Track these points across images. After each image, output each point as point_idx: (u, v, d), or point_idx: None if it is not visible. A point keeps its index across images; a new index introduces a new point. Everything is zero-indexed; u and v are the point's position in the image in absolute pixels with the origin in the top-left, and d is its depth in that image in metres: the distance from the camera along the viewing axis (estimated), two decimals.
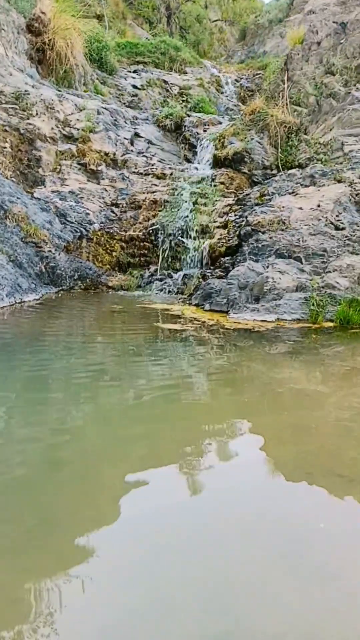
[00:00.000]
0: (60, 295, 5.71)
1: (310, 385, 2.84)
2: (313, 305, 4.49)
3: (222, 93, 13.33)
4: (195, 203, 6.72)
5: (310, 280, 4.86)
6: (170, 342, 3.72)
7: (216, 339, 3.81)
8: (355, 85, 6.96)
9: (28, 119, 7.02)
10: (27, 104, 7.09)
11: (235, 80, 14.36)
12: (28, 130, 6.93)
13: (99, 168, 7.03)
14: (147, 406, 2.49)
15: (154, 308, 5.05)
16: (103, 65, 10.93)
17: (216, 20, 21.66)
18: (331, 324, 4.32)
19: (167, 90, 12.05)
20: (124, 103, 10.63)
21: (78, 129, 7.22)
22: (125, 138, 7.53)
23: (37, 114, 7.10)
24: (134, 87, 11.28)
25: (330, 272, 4.83)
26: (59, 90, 7.81)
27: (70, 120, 7.29)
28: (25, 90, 7.24)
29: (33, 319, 4.43)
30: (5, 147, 6.79)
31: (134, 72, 12.28)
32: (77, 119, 7.34)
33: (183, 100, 11.77)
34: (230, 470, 1.93)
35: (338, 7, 15.57)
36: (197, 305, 5.13)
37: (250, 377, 3.05)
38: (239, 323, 4.35)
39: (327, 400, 2.60)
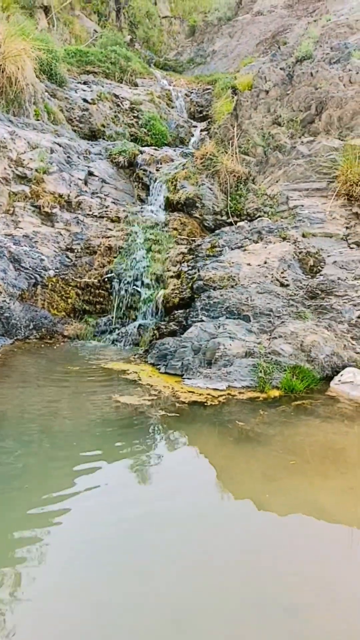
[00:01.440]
0: (14, 348, 5.79)
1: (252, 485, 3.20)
2: (261, 372, 4.87)
3: (172, 108, 13.50)
4: (149, 250, 6.94)
5: (258, 344, 5.24)
6: (121, 430, 3.92)
7: (169, 423, 4.07)
8: (300, 138, 7.39)
9: None
10: None
11: (186, 94, 14.59)
12: None
13: (54, 211, 7.08)
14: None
15: (110, 369, 5.25)
16: (53, 77, 10.84)
17: (166, 17, 21.73)
18: (277, 393, 4.71)
19: (118, 105, 12.11)
20: (75, 118, 10.64)
21: (32, 169, 7.22)
22: (79, 178, 7.60)
23: None
24: (85, 100, 11.27)
25: (275, 338, 5.23)
26: (10, 126, 7.74)
27: (24, 160, 7.27)
28: None
29: None
30: None
31: (84, 83, 12.23)
32: (31, 158, 7.34)
33: (134, 117, 11.90)
34: None
35: (285, 10, 16.12)
36: (153, 364, 5.39)
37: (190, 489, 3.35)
38: (193, 392, 4.65)
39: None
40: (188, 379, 4.95)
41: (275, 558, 2.51)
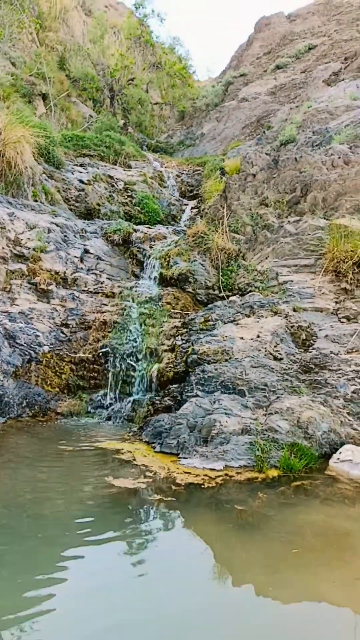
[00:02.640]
0: (6, 427, 5.69)
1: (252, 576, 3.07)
2: (258, 450, 4.80)
3: (164, 188, 14.14)
4: (143, 324, 7.04)
5: (254, 420, 5.20)
6: (115, 515, 3.80)
7: (165, 507, 3.95)
8: (287, 218, 7.75)
9: None
10: None
11: (177, 175, 15.36)
12: None
13: (50, 287, 7.23)
14: None
15: (104, 448, 5.15)
16: (50, 160, 11.40)
17: (157, 103, 23.33)
18: (276, 473, 4.62)
19: (113, 186, 12.68)
20: (71, 197, 11.10)
21: (29, 248, 7.45)
22: (75, 256, 7.84)
23: None
24: (81, 181, 11.81)
25: (272, 414, 5.21)
26: (9, 208, 8.07)
27: (22, 240, 7.52)
28: None
29: None
30: None
31: (81, 165, 12.86)
32: (28, 238, 7.60)
33: (128, 196, 12.45)
34: None
35: (269, 97, 17.35)
36: (148, 443, 5.30)
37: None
38: (190, 473, 4.55)
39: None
40: (184, 458, 4.86)
41: None
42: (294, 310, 6.57)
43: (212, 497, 4.13)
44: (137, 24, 21.82)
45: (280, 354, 6.14)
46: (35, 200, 9.51)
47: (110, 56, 21.09)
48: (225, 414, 5.25)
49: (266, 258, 7.44)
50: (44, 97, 17.24)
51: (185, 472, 4.57)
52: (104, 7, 26.94)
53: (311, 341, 6.20)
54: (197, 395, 5.68)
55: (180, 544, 3.54)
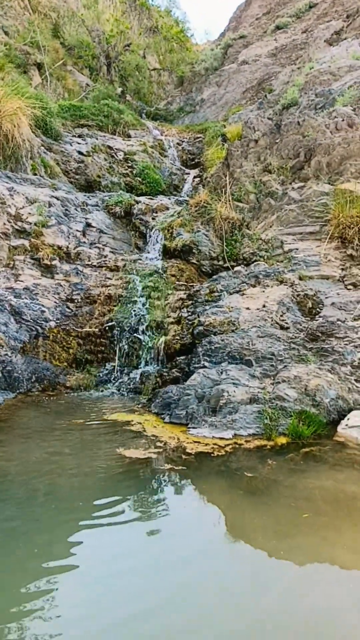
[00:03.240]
0: (16, 402, 5.75)
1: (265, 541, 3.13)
2: (267, 418, 4.84)
3: (165, 157, 13.89)
4: (148, 297, 7.02)
5: (262, 389, 5.23)
6: (127, 485, 3.86)
7: (176, 476, 4.01)
8: (291, 184, 7.61)
9: None
10: None
11: (177, 143, 15.07)
12: None
13: (53, 262, 7.19)
14: None
15: (114, 420, 5.21)
16: (48, 131, 11.19)
17: (155, 69, 22.73)
18: (285, 440, 4.66)
19: (112, 156, 12.48)
20: (71, 170, 10.94)
21: (30, 224, 7.38)
22: (77, 230, 7.76)
23: None
24: (80, 153, 11.63)
25: (279, 382, 5.23)
26: (9, 182, 7.96)
27: (22, 215, 7.44)
28: None
29: None
30: None
31: (79, 136, 12.62)
32: (29, 213, 7.51)
33: (128, 167, 12.26)
34: None
35: (269, 59, 16.88)
36: (157, 414, 5.35)
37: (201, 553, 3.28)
38: (199, 442, 4.60)
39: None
40: (193, 428, 4.90)
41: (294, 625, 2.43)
42: (300, 278, 6.52)
43: (222, 465, 4.18)
44: None
45: (286, 323, 6.12)
46: (35, 174, 9.37)
47: (105, 22, 20.44)
48: (233, 384, 5.27)
49: (271, 226, 7.34)
50: (39, 66, 16.78)
51: (195, 442, 4.62)
52: None
53: (317, 309, 6.17)
54: (204, 367, 5.70)
55: (192, 511, 3.60)
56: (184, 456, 4.33)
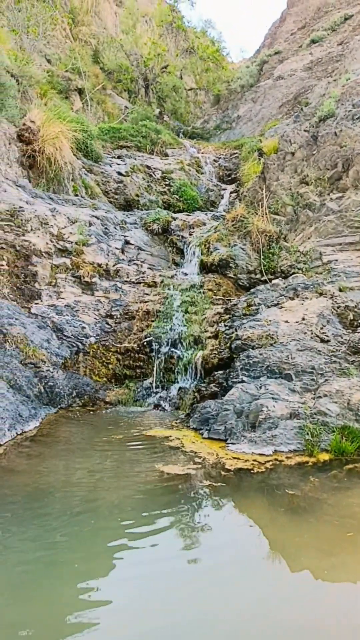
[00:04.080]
0: (58, 417, 5.85)
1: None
2: (308, 434, 4.72)
3: (202, 174, 14.01)
4: (186, 312, 7.04)
5: (302, 404, 5.11)
6: (166, 502, 3.83)
7: (216, 493, 3.96)
8: (329, 195, 7.51)
9: (23, 235, 7.38)
10: (22, 220, 7.46)
11: (214, 160, 15.20)
12: (24, 246, 7.27)
13: (93, 280, 7.35)
14: None
15: (152, 436, 5.21)
16: (88, 154, 11.52)
17: (191, 89, 23.08)
18: (327, 456, 4.53)
19: (150, 175, 12.70)
20: (110, 190, 11.21)
21: (72, 242, 7.59)
22: (116, 248, 7.92)
23: (32, 229, 7.47)
24: (119, 173, 11.90)
25: (320, 397, 5.10)
26: (51, 203, 8.23)
27: (64, 234, 7.66)
28: (20, 207, 7.62)
29: (28, 465, 4.48)
30: (2, 265, 7.09)
31: (118, 157, 12.94)
32: (71, 232, 7.73)
33: (166, 185, 12.44)
34: None
35: (305, 73, 16.83)
36: (195, 429, 5.32)
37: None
38: (239, 459, 4.54)
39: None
40: (232, 444, 4.84)
41: None
42: (340, 290, 6.38)
43: (263, 482, 4.10)
44: (168, 10, 21.60)
45: (327, 335, 5.99)
46: (76, 195, 9.66)
47: (143, 45, 21.00)
48: (272, 398, 5.18)
49: (308, 238, 7.25)
50: (80, 91, 17.39)
51: (234, 458, 4.56)
52: None
53: (359, 321, 6.01)
54: (242, 381, 5.64)
55: (233, 529, 3.54)
56: (223, 472, 4.28)
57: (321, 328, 6.07)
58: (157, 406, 6.27)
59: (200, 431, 5.23)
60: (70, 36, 20.04)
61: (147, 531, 3.39)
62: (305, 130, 8.88)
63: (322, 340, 5.95)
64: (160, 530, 3.42)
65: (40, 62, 16.44)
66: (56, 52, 18.50)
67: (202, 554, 3.18)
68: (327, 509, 3.63)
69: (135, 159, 12.57)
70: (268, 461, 4.46)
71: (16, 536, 3.25)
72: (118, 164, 12.10)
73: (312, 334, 6.03)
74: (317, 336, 5.99)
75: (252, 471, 4.28)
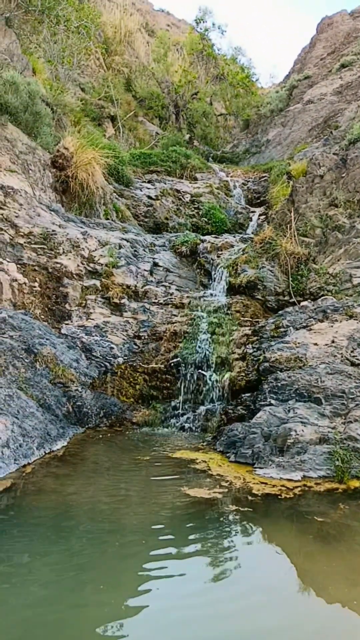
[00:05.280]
0: (85, 437, 5.88)
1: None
2: (338, 460, 4.61)
3: (231, 197, 14.12)
4: (213, 333, 7.04)
5: (332, 429, 5.01)
6: (192, 526, 3.78)
7: (243, 518, 3.89)
8: (359, 217, 7.46)
9: (55, 257, 7.57)
10: (54, 243, 7.67)
11: (243, 183, 15.31)
12: (56, 268, 7.46)
13: (122, 301, 7.45)
14: None
15: (179, 459, 5.18)
16: (120, 179, 11.79)
17: (221, 114, 23.45)
18: (358, 483, 4.41)
19: (180, 199, 12.89)
20: (140, 213, 11.43)
21: (102, 265, 7.74)
22: (145, 270, 8.03)
23: (63, 252, 7.66)
24: (149, 197, 12.13)
25: (351, 422, 4.99)
26: (83, 227, 8.44)
27: (95, 257, 7.83)
28: (53, 230, 7.84)
29: (55, 485, 4.50)
30: (34, 287, 7.28)
31: (149, 182, 13.19)
32: (101, 255, 7.89)
33: (195, 208, 12.60)
34: None
35: (335, 97, 16.89)
36: (222, 452, 5.27)
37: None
38: (266, 484, 4.46)
39: None
40: (260, 468, 4.77)
41: None
42: None
43: (291, 508, 4.01)
44: (198, 38, 22.14)
45: (357, 359, 5.89)
46: (107, 218, 9.88)
47: (174, 73, 21.55)
48: (301, 422, 5.10)
49: (338, 260, 7.20)
50: (113, 118, 17.92)
51: (262, 483, 4.49)
52: (165, 26, 27.67)
53: None
54: (270, 404, 5.58)
55: (260, 556, 3.47)
56: (250, 497, 4.21)
57: (352, 351, 5.97)
58: (183, 428, 6.24)
59: (227, 454, 5.17)
60: (103, 65, 20.77)
61: (172, 555, 3.35)
62: (334, 154, 8.89)
63: (353, 364, 5.84)
64: (186, 555, 3.38)
65: (74, 90, 17.06)
66: (90, 81, 19.18)
67: (229, 583, 3.10)
68: (357, 537, 3.52)
69: (165, 183, 12.80)
70: (296, 487, 4.37)
71: (41, 558, 3.26)
72: (148, 188, 12.34)
73: (342, 357, 5.93)
74: (348, 359, 5.89)
75: (280, 497, 4.20)
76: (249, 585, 3.08)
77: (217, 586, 3.07)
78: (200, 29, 22.29)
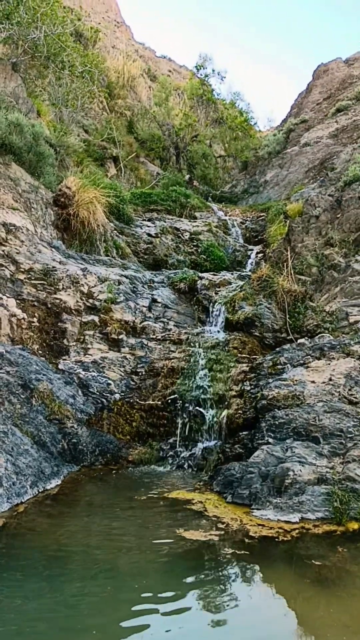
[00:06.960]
0: (80, 475, 5.79)
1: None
2: (336, 501, 4.53)
3: (229, 235, 14.36)
4: (210, 370, 7.03)
5: (331, 469, 4.95)
6: (187, 570, 3.68)
7: (239, 562, 3.79)
8: (354, 257, 7.59)
9: (55, 293, 7.64)
10: (54, 279, 7.76)
11: (241, 222, 15.60)
12: (55, 304, 7.52)
13: (120, 337, 7.48)
14: None
15: (174, 499, 5.08)
16: (120, 217, 12.01)
17: (220, 156, 24.09)
18: (356, 525, 4.32)
19: (179, 237, 13.10)
20: (140, 250, 11.59)
21: (101, 300, 7.81)
22: (143, 306, 8.09)
23: (63, 288, 7.74)
24: (149, 235, 12.33)
25: (349, 462, 4.93)
26: (83, 263, 8.55)
27: (94, 292, 7.91)
28: (53, 267, 7.95)
29: (48, 525, 4.40)
30: (33, 322, 7.32)
31: (149, 220, 13.45)
32: (100, 291, 7.97)
33: (194, 246, 12.79)
34: None
35: (331, 140, 17.37)
36: (219, 492, 5.18)
37: None
38: (263, 525, 4.37)
39: None
40: (257, 509, 4.68)
41: None
42: None
43: (288, 552, 3.92)
44: (199, 84, 23.00)
45: (355, 397, 5.87)
46: (107, 255, 10.03)
47: (175, 116, 22.29)
48: (299, 462, 5.04)
49: (334, 298, 7.27)
50: (115, 159, 18.42)
51: (259, 525, 4.40)
52: (167, 72, 28.84)
53: None
54: (268, 443, 5.52)
55: (257, 602, 3.36)
56: (247, 540, 4.12)
57: (349, 389, 5.95)
58: (180, 467, 6.15)
59: (224, 495, 5.08)
60: (106, 108, 21.51)
61: (166, 599, 3.26)
62: (329, 195, 9.13)
63: (351, 402, 5.82)
64: (180, 599, 3.29)
65: (78, 132, 17.60)
66: (93, 123, 19.81)
67: (226, 627, 3.02)
68: (356, 581, 3.43)
69: (164, 222, 13.05)
70: (294, 529, 4.28)
71: (34, 601, 3.17)
72: (148, 226, 12.58)
73: (339, 395, 5.91)
74: (345, 397, 5.87)
75: (277, 539, 4.11)
76: (246, 633, 2.99)
77: (212, 634, 2.98)
78: (201, 74, 23.22)
